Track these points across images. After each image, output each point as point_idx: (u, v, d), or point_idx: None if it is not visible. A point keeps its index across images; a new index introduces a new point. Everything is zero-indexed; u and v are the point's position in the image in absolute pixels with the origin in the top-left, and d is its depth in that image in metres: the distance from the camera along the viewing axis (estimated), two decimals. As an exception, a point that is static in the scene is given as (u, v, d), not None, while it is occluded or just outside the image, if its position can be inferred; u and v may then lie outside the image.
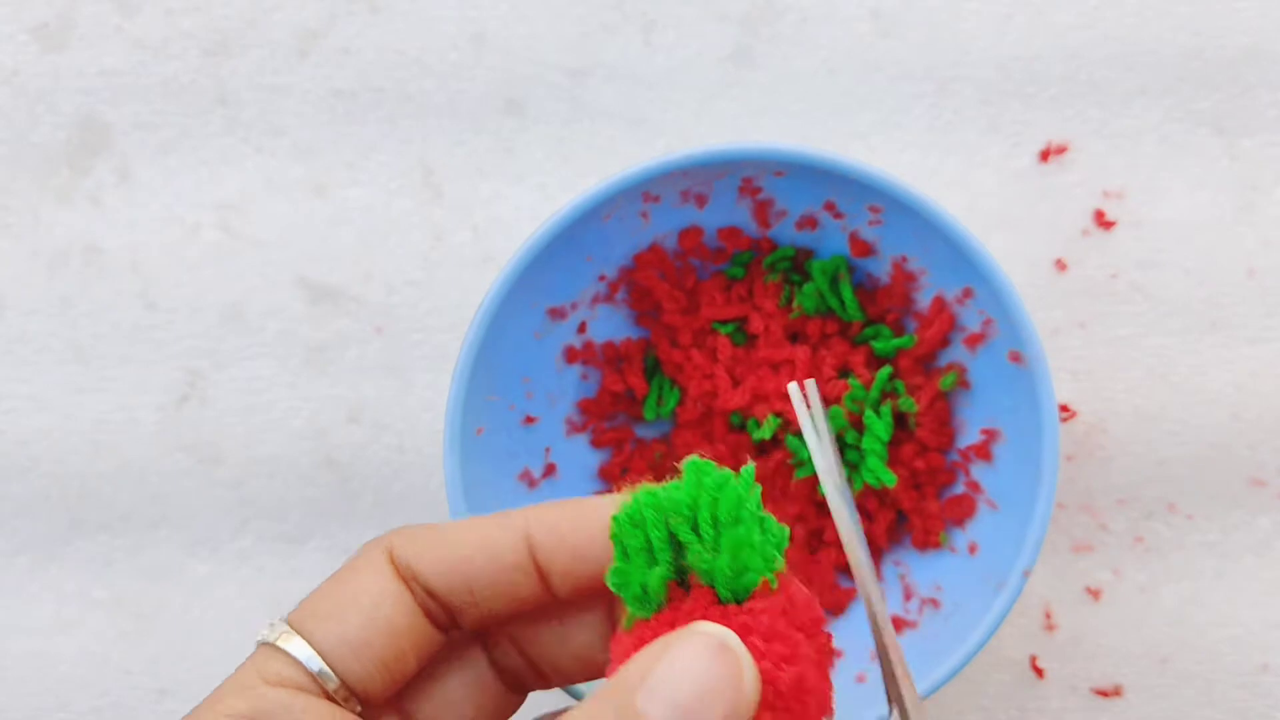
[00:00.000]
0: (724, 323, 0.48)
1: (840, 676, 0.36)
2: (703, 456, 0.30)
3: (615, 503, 0.31)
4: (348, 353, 0.51)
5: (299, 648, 0.31)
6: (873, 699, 0.44)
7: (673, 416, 0.49)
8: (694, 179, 0.45)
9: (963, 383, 0.47)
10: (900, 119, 0.51)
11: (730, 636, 0.28)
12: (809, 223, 0.47)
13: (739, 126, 0.51)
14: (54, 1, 0.52)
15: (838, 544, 0.48)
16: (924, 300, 0.47)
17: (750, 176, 0.46)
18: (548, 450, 0.48)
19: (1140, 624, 0.50)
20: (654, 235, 0.48)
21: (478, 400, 0.44)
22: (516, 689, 0.35)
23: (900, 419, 0.47)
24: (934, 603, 0.46)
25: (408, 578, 0.32)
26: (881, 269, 0.47)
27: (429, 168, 0.51)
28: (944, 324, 0.47)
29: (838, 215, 0.46)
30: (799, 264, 0.49)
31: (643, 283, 0.48)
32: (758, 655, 0.28)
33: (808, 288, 0.48)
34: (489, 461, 0.45)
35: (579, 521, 0.32)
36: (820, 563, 0.48)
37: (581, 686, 0.42)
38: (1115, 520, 0.50)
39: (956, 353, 0.47)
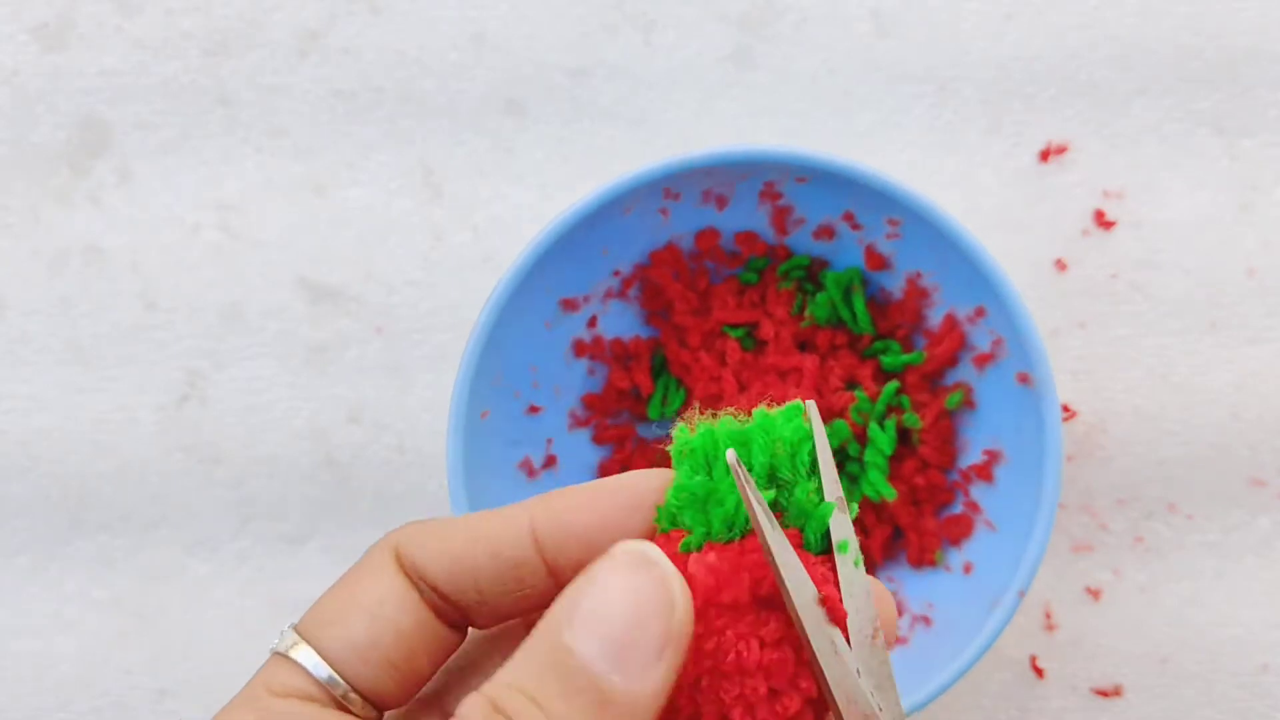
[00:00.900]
0: (735, 327, 0.49)
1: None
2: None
3: (624, 483, 0.30)
4: (348, 353, 0.51)
5: (305, 655, 0.30)
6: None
7: (676, 417, 0.49)
8: (717, 179, 0.45)
9: (968, 402, 0.47)
10: (900, 119, 0.51)
11: (652, 549, 0.27)
12: (826, 232, 0.47)
13: (739, 126, 0.51)
14: (54, 1, 0.51)
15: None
16: (935, 317, 0.47)
17: (773, 181, 0.46)
18: (549, 441, 0.48)
19: (1140, 624, 0.50)
20: (671, 234, 0.48)
21: (485, 382, 0.44)
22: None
23: (904, 435, 0.47)
24: (925, 620, 0.46)
25: (414, 577, 0.31)
26: (895, 284, 0.47)
27: (429, 168, 0.51)
28: (954, 342, 0.47)
29: (856, 226, 0.46)
30: (813, 273, 0.49)
31: (657, 281, 0.48)
32: (833, 606, 0.27)
33: (820, 298, 0.48)
34: (491, 447, 0.45)
35: (589, 508, 0.30)
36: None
37: None
38: (1115, 520, 0.50)
39: (964, 372, 0.47)
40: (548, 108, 0.51)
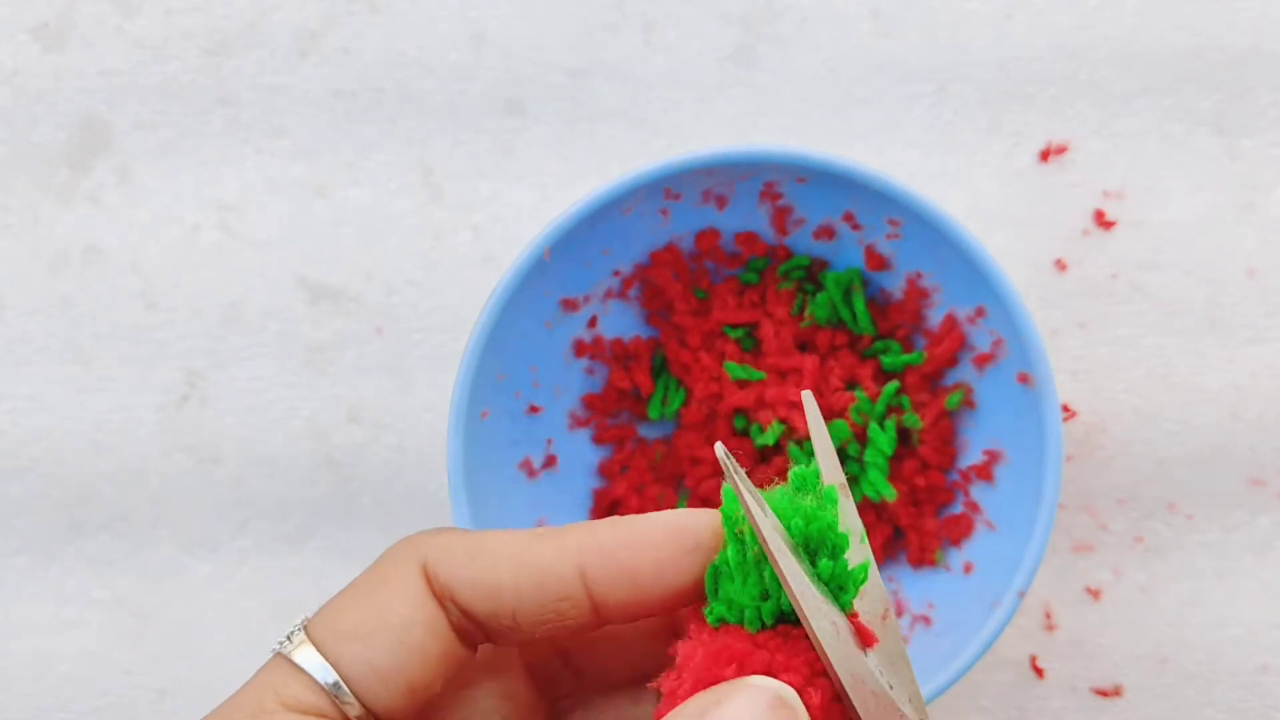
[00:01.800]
0: (734, 327, 0.49)
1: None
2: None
3: (681, 524, 0.29)
4: (348, 353, 0.51)
5: (322, 670, 0.29)
6: None
7: (676, 417, 0.49)
8: (717, 179, 0.45)
9: (968, 402, 0.47)
10: (900, 119, 0.51)
11: (788, 691, 0.27)
12: (826, 233, 0.47)
13: (739, 127, 0.51)
14: (54, 1, 0.51)
15: None
16: (935, 317, 0.47)
17: (773, 181, 0.46)
18: (549, 441, 0.48)
19: (1140, 624, 0.50)
20: (671, 234, 0.48)
21: (485, 382, 0.44)
22: (548, 694, 0.33)
23: (904, 435, 0.47)
24: (925, 620, 0.46)
25: (443, 597, 0.30)
26: (895, 284, 0.47)
27: (429, 168, 0.51)
28: (954, 342, 0.47)
29: (856, 227, 0.46)
30: (813, 274, 0.49)
31: (657, 281, 0.48)
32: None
33: (820, 298, 0.48)
34: (491, 447, 0.45)
35: (644, 547, 0.29)
36: None
37: None
38: (1115, 520, 0.50)
39: (964, 372, 0.47)
40: (548, 108, 0.51)
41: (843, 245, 0.47)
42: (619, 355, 0.49)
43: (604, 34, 0.51)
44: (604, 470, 0.49)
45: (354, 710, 0.29)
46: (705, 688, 0.27)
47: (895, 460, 0.47)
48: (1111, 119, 0.51)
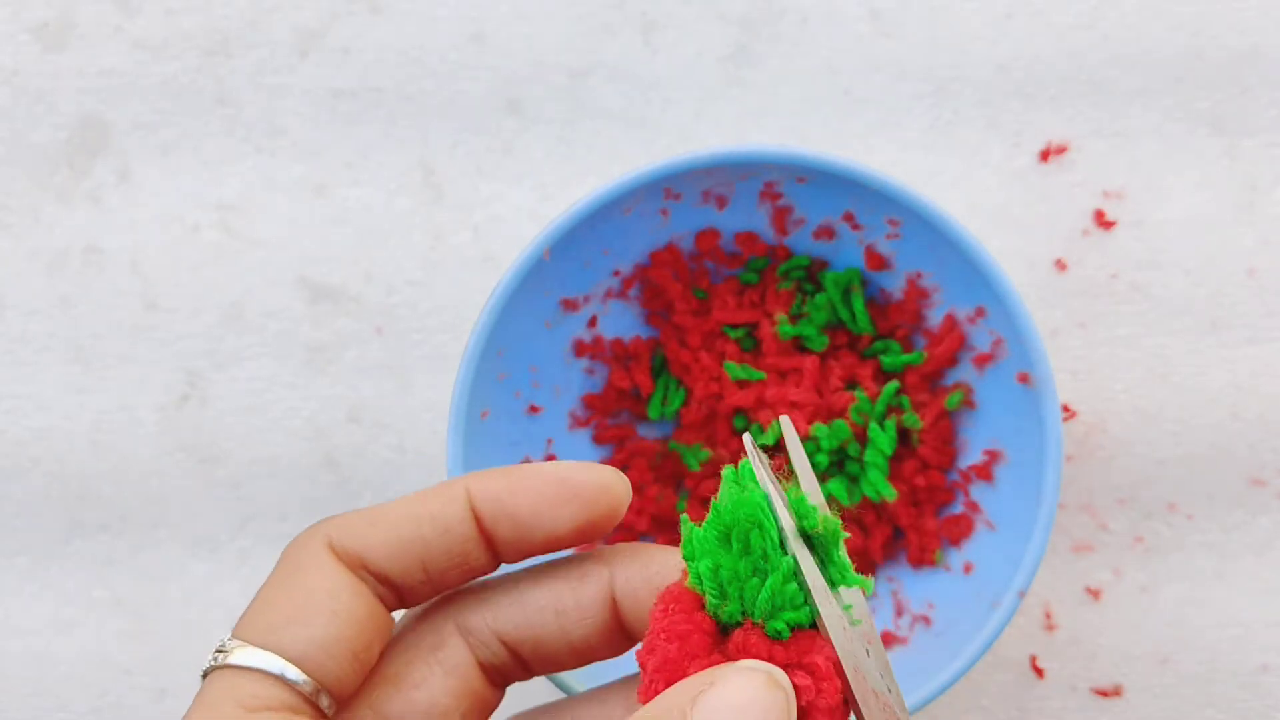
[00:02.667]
0: (734, 327, 0.49)
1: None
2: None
3: (559, 475, 0.31)
4: (348, 353, 0.51)
5: (269, 660, 0.30)
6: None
7: (676, 417, 0.49)
8: (717, 179, 0.45)
9: (968, 402, 0.47)
10: (900, 119, 0.51)
11: (779, 674, 0.27)
12: (826, 233, 0.47)
13: (739, 126, 0.51)
14: (54, 1, 0.51)
15: None
16: (935, 317, 0.47)
17: (773, 181, 0.46)
18: (549, 441, 0.48)
19: (1140, 624, 0.50)
20: (671, 234, 0.48)
21: (485, 382, 0.44)
22: (497, 682, 0.34)
23: (904, 435, 0.47)
24: (925, 620, 0.46)
25: (355, 567, 0.31)
26: (895, 284, 0.47)
27: (429, 168, 0.51)
28: (954, 342, 0.47)
29: (856, 227, 0.46)
30: (813, 274, 0.49)
31: (657, 281, 0.48)
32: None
33: (820, 298, 0.48)
34: (491, 447, 0.45)
35: (521, 492, 0.32)
36: None
37: (564, 676, 0.42)
38: (1115, 520, 0.50)
39: (964, 372, 0.47)
40: (548, 108, 0.51)
41: (842, 245, 0.47)
42: (619, 355, 0.49)
43: (604, 34, 0.51)
44: (604, 470, 0.49)
45: (308, 687, 0.30)
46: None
47: (895, 460, 0.47)
48: (1111, 119, 0.51)
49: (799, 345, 0.48)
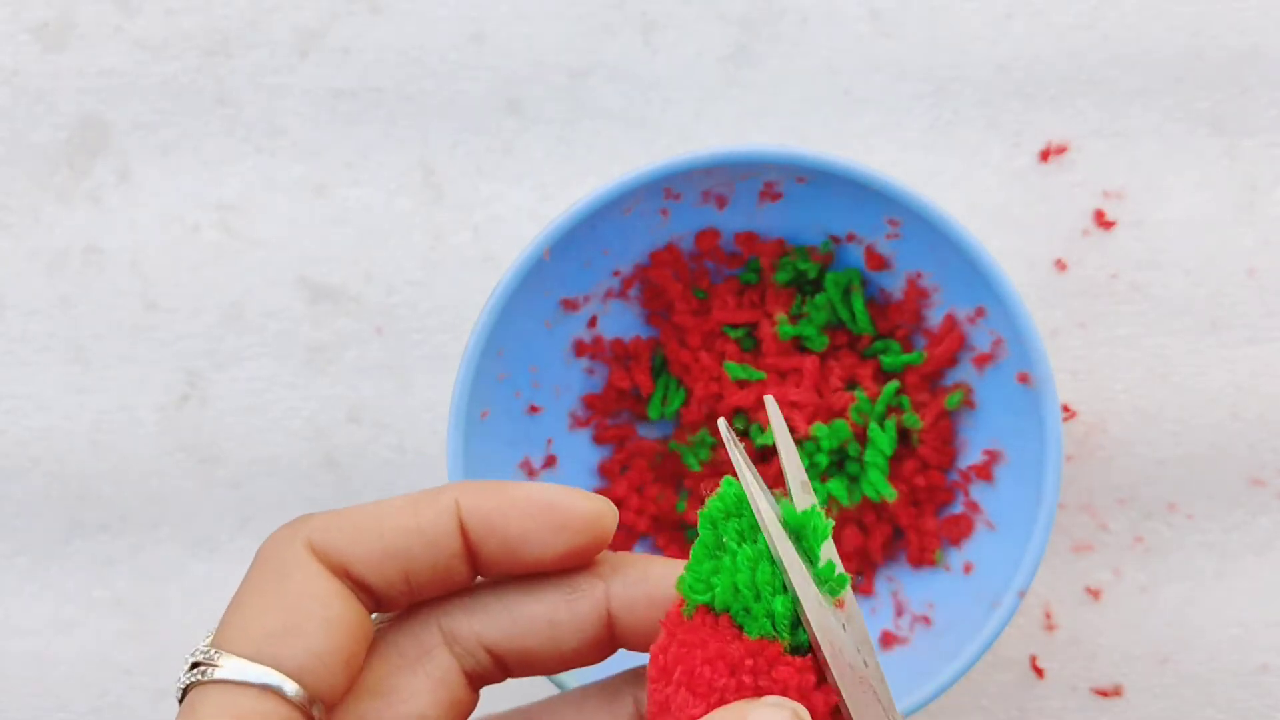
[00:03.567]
0: (734, 327, 0.49)
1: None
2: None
3: (545, 495, 0.31)
4: (348, 353, 0.51)
5: (266, 675, 0.29)
6: None
7: (676, 417, 0.49)
8: (717, 179, 0.45)
9: (968, 402, 0.47)
10: (900, 119, 0.51)
11: (804, 712, 0.27)
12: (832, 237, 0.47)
13: (739, 126, 0.51)
14: (54, 1, 0.51)
15: None
16: (935, 317, 0.47)
17: (773, 181, 0.46)
18: (549, 441, 0.48)
19: (1140, 624, 0.50)
20: (671, 234, 0.48)
21: (485, 382, 0.44)
22: (476, 687, 0.33)
23: (904, 435, 0.47)
24: (925, 620, 0.46)
25: (338, 572, 0.30)
26: (895, 284, 0.47)
27: (429, 168, 0.51)
28: (954, 342, 0.47)
29: (852, 239, 0.47)
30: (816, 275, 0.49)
31: (657, 281, 0.48)
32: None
33: (819, 298, 0.48)
34: (491, 447, 0.45)
35: (511, 513, 0.31)
36: None
37: (563, 676, 0.42)
38: (1115, 520, 0.50)
39: (964, 372, 0.47)
40: (548, 108, 0.51)
41: (843, 245, 0.47)
42: (619, 355, 0.49)
43: (604, 34, 0.51)
44: (604, 470, 0.49)
45: (304, 700, 0.29)
46: (711, 692, 0.28)
47: (895, 460, 0.47)
48: (1111, 119, 0.51)
49: (799, 345, 0.48)
